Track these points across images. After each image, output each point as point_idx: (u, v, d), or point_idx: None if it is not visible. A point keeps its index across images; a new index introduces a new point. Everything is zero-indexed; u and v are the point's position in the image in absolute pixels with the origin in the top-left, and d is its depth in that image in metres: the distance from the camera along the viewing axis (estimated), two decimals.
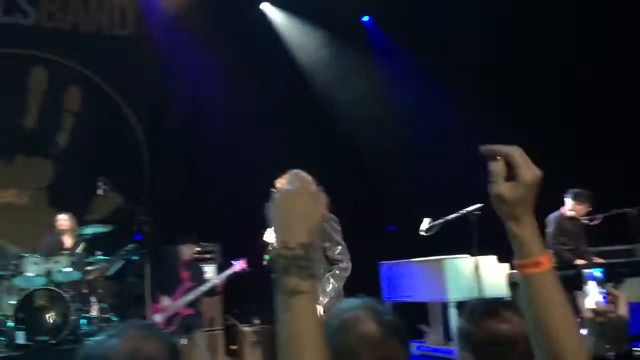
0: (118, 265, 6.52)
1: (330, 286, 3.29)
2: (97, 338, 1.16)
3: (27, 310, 5.83)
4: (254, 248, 5.86)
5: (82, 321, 6.03)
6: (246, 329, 6.85)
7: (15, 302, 5.84)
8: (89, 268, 6.37)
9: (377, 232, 7.19)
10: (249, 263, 5.64)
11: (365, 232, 6.04)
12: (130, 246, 6.15)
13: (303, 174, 3.11)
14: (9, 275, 6.14)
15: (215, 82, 7.47)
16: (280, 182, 3.04)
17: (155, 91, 8.02)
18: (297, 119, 7.50)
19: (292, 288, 0.92)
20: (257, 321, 6.92)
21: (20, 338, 5.71)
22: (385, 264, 6.30)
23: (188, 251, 5.95)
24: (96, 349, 1.11)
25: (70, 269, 6.11)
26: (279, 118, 7.48)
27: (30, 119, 7.90)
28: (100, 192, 5.67)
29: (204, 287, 5.68)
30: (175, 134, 8.04)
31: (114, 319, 6.10)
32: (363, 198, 7.12)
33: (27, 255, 6.11)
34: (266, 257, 3.26)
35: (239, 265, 5.70)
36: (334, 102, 7.70)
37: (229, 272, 5.71)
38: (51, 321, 5.87)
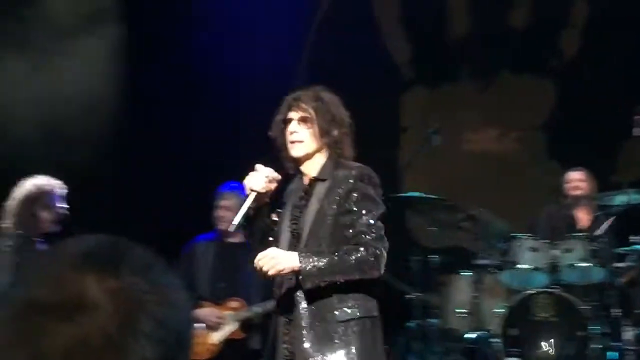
0: None
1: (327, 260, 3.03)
2: None
3: (523, 325, 5.55)
4: None
5: (611, 354, 5.65)
6: None
7: (503, 310, 5.63)
8: (620, 265, 5.85)
9: None
10: None
11: None
12: None
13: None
14: (494, 266, 5.97)
15: None
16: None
17: None
18: None
19: None
20: None
21: None
22: None
23: None
24: None
25: (589, 264, 5.74)
26: None
27: (519, 18, 7.66)
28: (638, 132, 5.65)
29: None
30: None
31: None
32: None
33: (518, 235, 5.89)
34: (239, 219, 3.17)
35: None
36: None
37: None
38: (551, 349, 5.58)
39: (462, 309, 5.99)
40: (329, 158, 3.20)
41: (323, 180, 3.17)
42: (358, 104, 7.21)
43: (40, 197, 4.48)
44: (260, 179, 3.14)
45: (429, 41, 7.72)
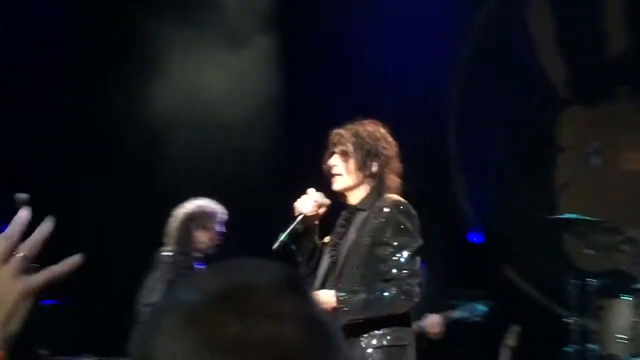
0: None
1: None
2: None
3: None
4: None
5: None
6: None
7: None
8: None
9: None
10: None
11: None
12: None
13: None
14: None
15: None
16: None
17: None
18: None
19: None
20: None
21: None
22: None
23: None
24: None
25: None
26: None
27: None
28: None
29: None
30: None
31: None
32: None
33: None
34: (283, 236, 3.20)
35: None
36: None
37: None
38: None
39: (623, 334, 5.69)
40: (371, 190, 3.22)
41: (363, 210, 3.19)
42: (515, 123, 6.96)
43: (198, 217, 4.37)
44: (309, 202, 3.24)
45: (586, 59, 7.23)
